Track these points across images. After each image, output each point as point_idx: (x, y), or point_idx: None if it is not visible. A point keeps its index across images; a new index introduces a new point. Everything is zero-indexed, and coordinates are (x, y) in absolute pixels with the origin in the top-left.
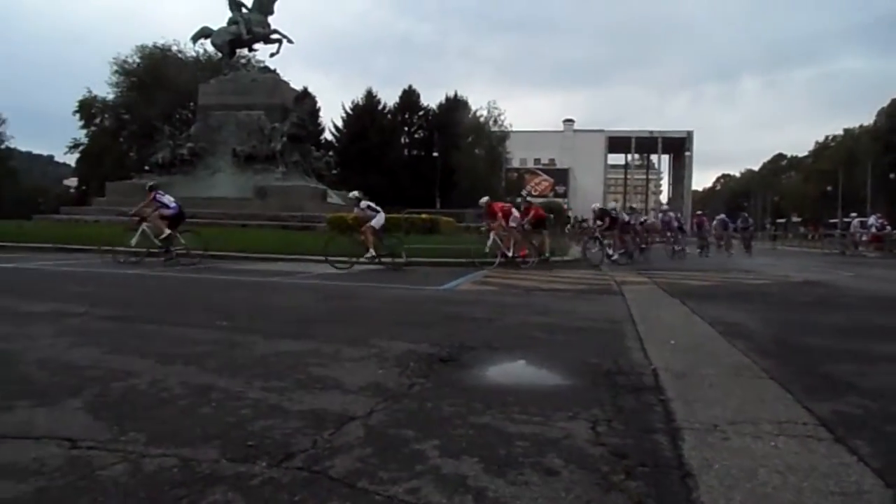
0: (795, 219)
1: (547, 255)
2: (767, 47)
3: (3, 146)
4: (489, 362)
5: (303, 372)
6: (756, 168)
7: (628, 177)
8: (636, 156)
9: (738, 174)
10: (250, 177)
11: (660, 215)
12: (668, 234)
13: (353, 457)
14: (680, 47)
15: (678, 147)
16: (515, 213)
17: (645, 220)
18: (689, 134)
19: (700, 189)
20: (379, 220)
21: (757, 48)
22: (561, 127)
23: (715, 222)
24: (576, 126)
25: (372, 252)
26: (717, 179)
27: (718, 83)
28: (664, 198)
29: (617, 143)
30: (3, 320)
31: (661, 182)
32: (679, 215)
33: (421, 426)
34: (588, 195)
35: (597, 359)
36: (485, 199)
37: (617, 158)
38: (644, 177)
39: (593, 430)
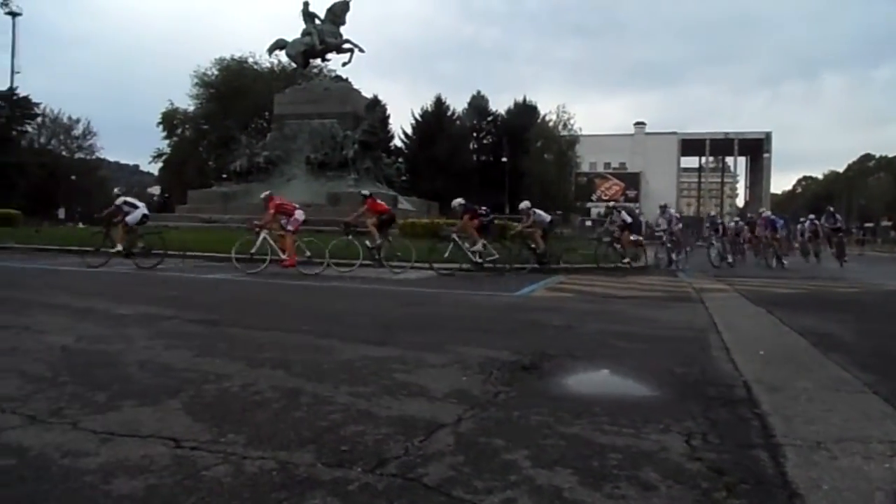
0: (885, 222)
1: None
2: (851, 42)
3: (93, 157)
4: (572, 371)
5: (388, 378)
6: (840, 169)
7: (702, 180)
8: (710, 158)
9: (820, 176)
10: (323, 183)
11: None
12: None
13: (446, 465)
14: (757, 44)
15: (755, 149)
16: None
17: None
18: (768, 135)
19: (779, 192)
20: None
21: (840, 44)
22: (632, 130)
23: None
24: (647, 129)
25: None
26: (798, 182)
27: (798, 81)
28: (740, 201)
29: (690, 145)
30: (101, 323)
31: (737, 185)
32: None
33: (510, 435)
34: (660, 199)
35: (683, 369)
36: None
37: (690, 161)
38: (719, 180)
39: (688, 443)
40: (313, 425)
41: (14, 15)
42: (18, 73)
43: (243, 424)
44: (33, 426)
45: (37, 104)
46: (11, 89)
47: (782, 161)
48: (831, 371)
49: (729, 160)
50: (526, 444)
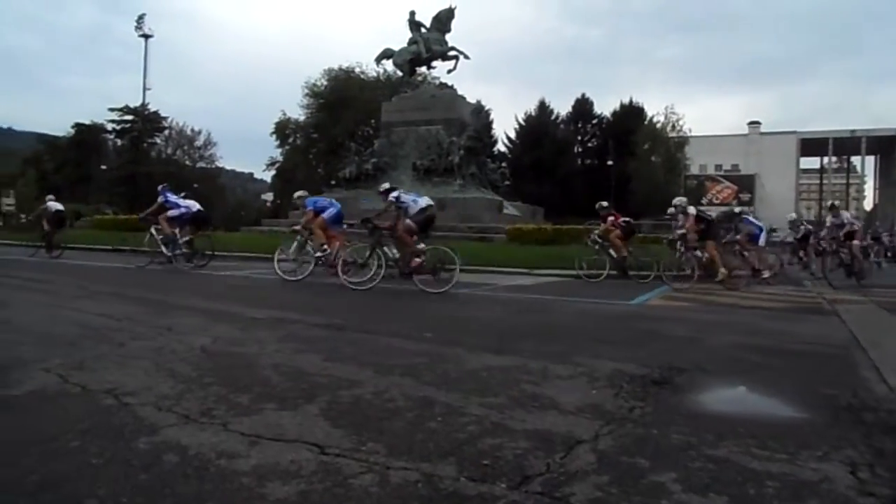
0: None
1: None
2: None
3: (213, 165)
4: (706, 387)
5: (516, 389)
6: None
7: (825, 182)
8: (834, 158)
9: None
10: (429, 189)
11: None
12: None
13: (591, 484)
14: (885, 33)
15: (887, 146)
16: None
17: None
18: None
19: None
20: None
21: None
22: (745, 130)
23: None
24: (763, 128)
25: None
26: None
27: None
28: (868, 204)
29: (811, 145)
30: (235, 326)
31: (865, 186)
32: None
33: (653, 455)
34: (777, 203)
35: (830, 389)
36: None
37: (811, 162)
38: (843, 182)
39: (853, 475)
40: (450, 437)
41: (146, 37)
42: (149, 89)
43: (381, 433)
44: (188, 425)
45: (164, 118)
46: (143, 105)
47: None
48: None
49: (855, 160)
50: (672, 465)
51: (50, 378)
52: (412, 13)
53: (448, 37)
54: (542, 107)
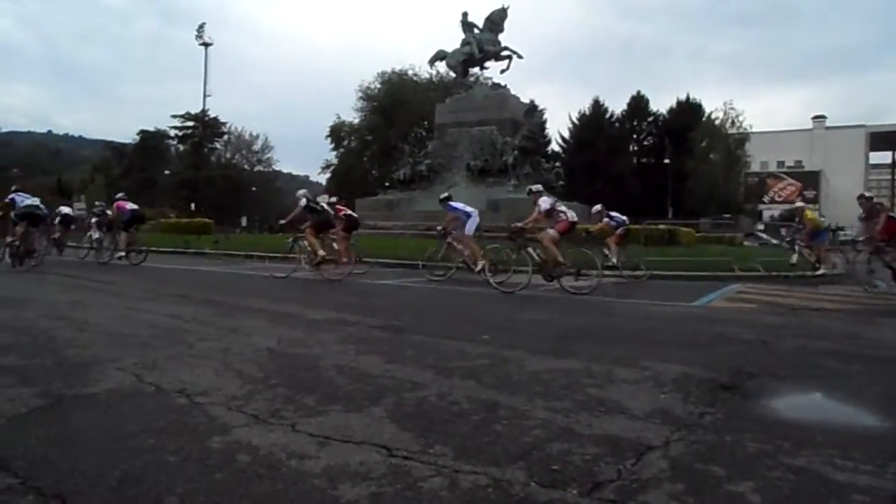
0: None
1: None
2: None
3: (270, 169)
4: (778, 393)
5: (581, 392)
6: None
7: None
8: None
9: None
10: (483, 190)
11: None
12: None
13: (666, 493)
14: None
15: None
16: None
17: None
18: None
19: None
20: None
21: None
22: (809, 125)
23: None
24: (828, 122)
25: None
26: None
27: None
28: None
29: (881, 139)
30: (297, 327)
31: None
32: None
33: (728, 463)
34: (845, 200)
35: None
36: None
37: (882, 157)
38: None
39: None
40: (517, 441)
41: (206, 45)
42: (209, 96)
43: (448, 436)
44: (258, 426)
45: (223, 123)
46: (204, 111)
47: None
48: None
49: None
50: (749, 474)
51: (125, 377)
52: (465, 14)
53: (501, 37)
54: (597, 105)
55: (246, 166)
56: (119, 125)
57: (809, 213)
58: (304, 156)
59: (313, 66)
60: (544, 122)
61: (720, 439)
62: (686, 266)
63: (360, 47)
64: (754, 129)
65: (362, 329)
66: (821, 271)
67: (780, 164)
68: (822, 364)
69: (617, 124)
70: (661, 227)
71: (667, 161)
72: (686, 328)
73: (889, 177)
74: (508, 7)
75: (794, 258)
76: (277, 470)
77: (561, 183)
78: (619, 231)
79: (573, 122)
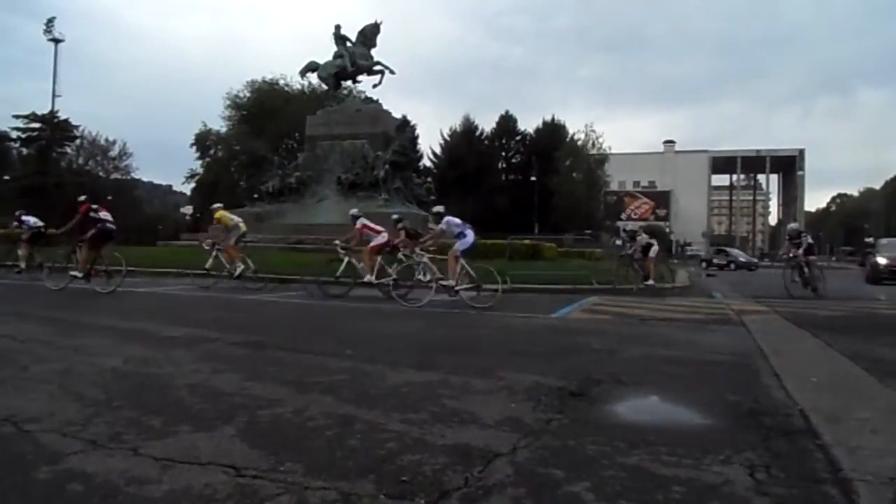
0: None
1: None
2: (889, 56)
3: (129, 177)
4: (620, 398)
5: (437, 404)
6: (877, 186)
7: (734, 198)
8: (742, 176)
9: (856, 193)
10: (354, 203)
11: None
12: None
13: (508, 497)
14: (789, 60)
15: (788, 166)
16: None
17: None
18: (801, 152)
19: (813, 209)
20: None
21: (876, 58)
22: (661, 148)
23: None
24: (677, 147)
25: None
26: (832, 199)
27: (831, 96)
28: (773, 219)
29: (721, 163)
30: (149, 345)
31: (769, 203)
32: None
33: (568, 466)
34: (691, 218)
35: (734, 396)
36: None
37: (721, 179)
38: (751, 198)
39: (752, 476)
40: (370, 454)
41: (56, 41)
42: (59, 96)
43: (300, 452)
44: (96, 451)
45: (76, 126)
46: (52, 113)
47: (816, 178)
48: (891, 399)
49: (761, 178)
50: (586, 475)
51: None
52: (337, 27)
53: (373, 51)
54: (467, 123)
55: (101, 173)
56: None
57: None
58: (167, 164)
59: (178, 69)
60: (416, 137)
61: (564, 444)
62: (548, 279)
63: (227, 53)
64: (613, 151)
65: (222, 346)
66: (650, 282)
67: (636, 183)
68: (661, 370)
69: (486, 142)
70: (527, 241)
71: (533, 178)
72: (543, 339)
73: (727, 197)
74: (381, 23)
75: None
76: (113, 498)
77: (432, 198)
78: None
79: (444, 139)
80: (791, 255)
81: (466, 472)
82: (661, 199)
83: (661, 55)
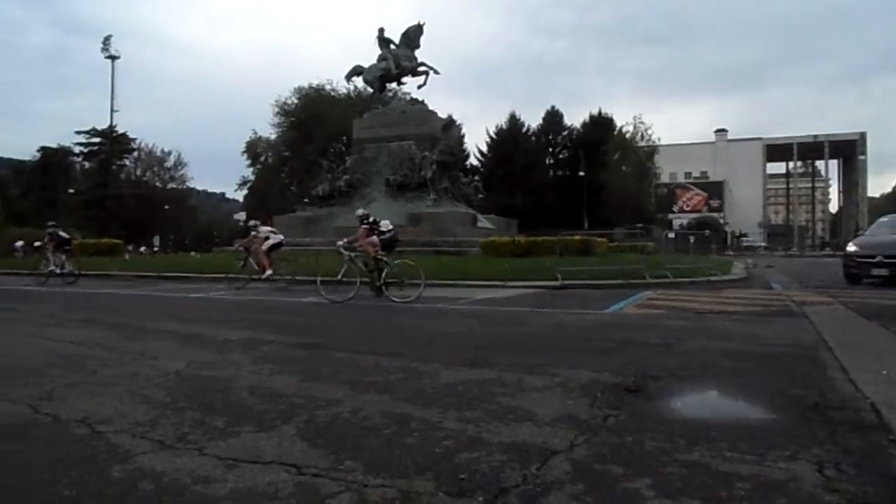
0: None
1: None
2: None
3: (184, 186)
4: (679, 393)
5: (492, 402)
6: None
7: (791, 186)
8: (799, 163)
9: None
10: (403, 205)
11: None
12: None
13: (567, 494)
14: (840, 39)
15: (848, 150)
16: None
17: None
18: (862, 135)
19: (877, 195)
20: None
21: None
22: (713, 138)
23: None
24: (729, 135)
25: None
26: None
27: (891, 76)
28: (833, 206)
29: (776, 150)
30: (208, 348)
31: (829, 190)
32: None
33: (627, 462)
34: (746, 208)
35: (798, 390)
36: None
37: (777, 167)
38: (809, 185)
39: (821, 473)
40: (427, 452)
41: (113, 59)
42: (117, 111)
43: (359, 451)
44: (163, 451)
45: (133, 139)
46: (111, 127)
47: (879, 162)
48: None
49: (819, 164)
50: (646, 471)
51: (19, 409)
52: (381, 30)
53: (417, 53)
54: (513, 120)
55: (158, 184)
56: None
57: None
58: (220, 172)
59: (227, 80)
60: (462, 136)
61: (621, 440)
62: (600, 275)
63: (275, 61)
64: (663, 142)
65: (277, 348)
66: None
67: (688, 174)
68: (719, 363)
69: (533, 138)
70: (577, 237)
71: (581, 173)
72: (596, 335)
73: (784, 185)
74: (424, 24)
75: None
76: (181, 496)
77: (480, 196)
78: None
79: (490, 137)
80: None
81: (524, 469)
82: (714, 190)
83: (709, 41)
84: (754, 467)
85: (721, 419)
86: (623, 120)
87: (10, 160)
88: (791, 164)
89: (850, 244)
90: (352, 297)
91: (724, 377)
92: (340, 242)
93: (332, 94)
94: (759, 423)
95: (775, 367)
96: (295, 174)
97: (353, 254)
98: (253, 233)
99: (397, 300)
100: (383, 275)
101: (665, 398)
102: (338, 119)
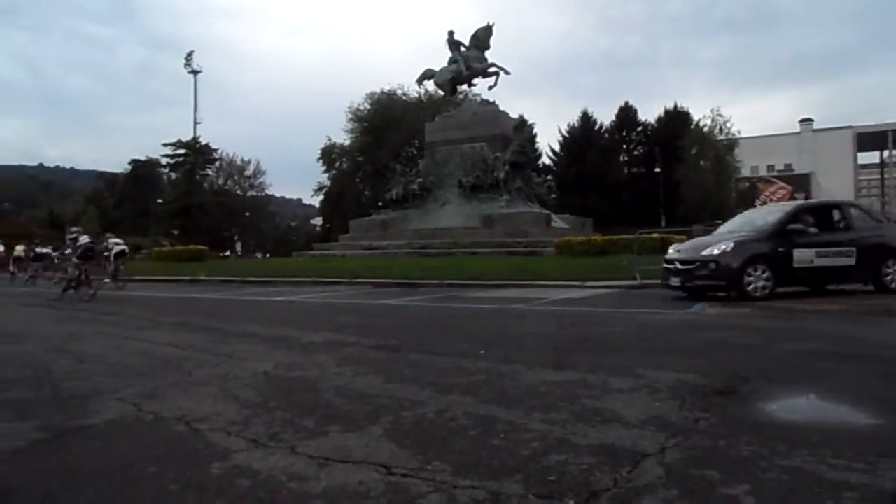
0: None
1: None
2: None
3: (263, 193)
4: (772, 396)
5: (577, 403)
6: None
7: (886, 176)
8: (895, 151)
9: None
10: (476, 206)
11: None
12: None
13: (661, 499)
14: None
15: None
16: None
17: None
18: None
19: None
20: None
21: None
22: (797, 128)
23: None
24: (815, 125)
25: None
26: None
27: None
28: None
29: (869, 139)
30: (293, 350)
31: None
32: None
33: (723, 467)
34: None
35: None
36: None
37: (870, 157)
38: None
39: None
40: (515, 453)
41: (195, 73)
42: (200, 123)
43: (446, 452)
44: (258, 449)
45: (215, 149)
46: (195, 139)
47: None
48: None
49: None
50: (744, 477)
51: (125, 407)
52: (451, 33)
53: (487, 54)
54: (585, 117)
55: (239, 192)
56: (110, 155)
57: None
58: (297, 179)
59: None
60: (534, 136)
61: (715, 444)
62: None
63: (347, 68)
64: (743, 135)
65: (359, 349)
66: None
67: (770, 167)
68: (815, 365)
69: (606, 135)
70: (655, 235)
71: (657, 170)
72: (680, 335)
73: (878, 176)
74: (493, 24)
75: None
76: (278, 493)
77: (553, 196)
78: None
79: (563, 135)
80: None
81: (614, 472)
82: (800, 183)
83: (790, 28)
84: (863, 476)
85: (821, 424)
86: (700, 113)
87: (104, 173)
88: (886, 153)
89: (672, 248)
90: None
91: (821, 380)
92: None
93: (404, 98)
94: (866, 429)
95: (879, 369)
96: (369, 178)
97: None
98: None
99: None
100: None
101: (757, 401)
102: (410, 123)
